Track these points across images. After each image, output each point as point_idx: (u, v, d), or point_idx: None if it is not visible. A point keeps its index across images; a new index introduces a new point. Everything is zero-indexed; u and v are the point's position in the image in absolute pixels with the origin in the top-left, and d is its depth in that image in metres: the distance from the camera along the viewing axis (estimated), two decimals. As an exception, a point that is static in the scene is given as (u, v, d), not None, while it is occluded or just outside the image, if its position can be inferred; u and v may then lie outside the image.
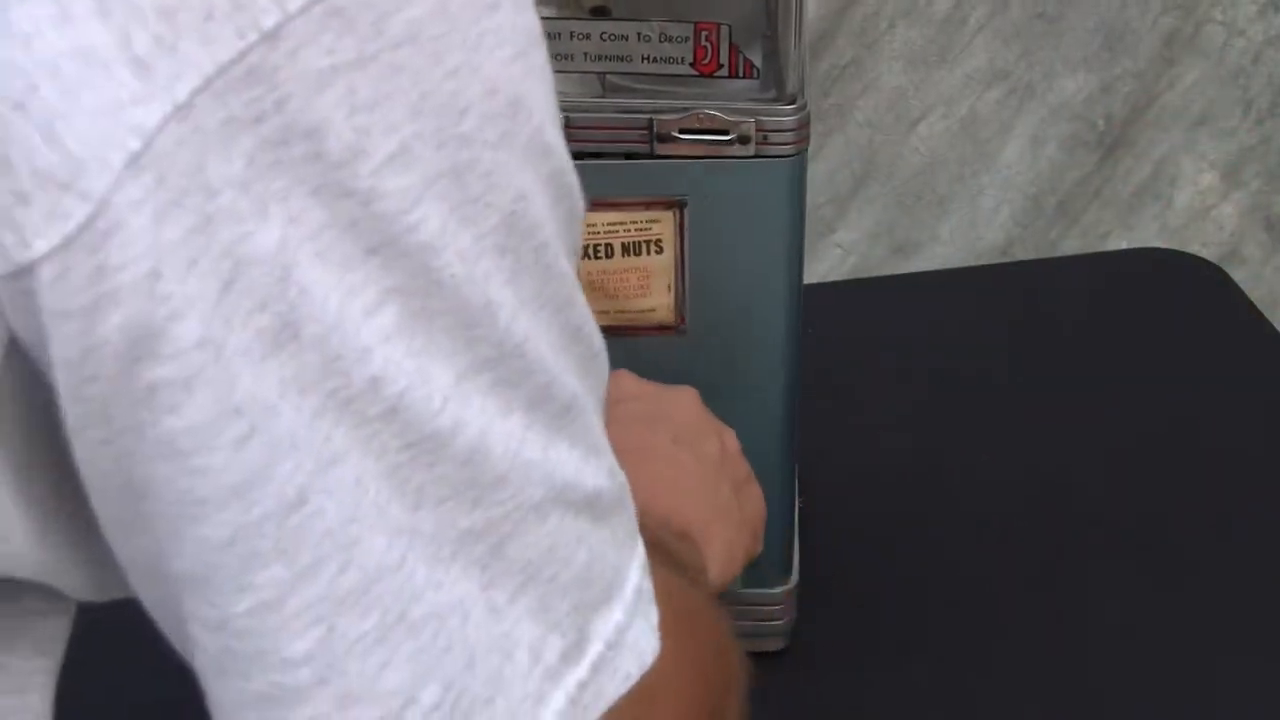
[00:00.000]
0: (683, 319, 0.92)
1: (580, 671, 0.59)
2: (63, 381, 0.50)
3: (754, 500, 0.92)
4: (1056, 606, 1.05)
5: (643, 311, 0.92)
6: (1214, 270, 1.38)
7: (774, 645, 1.01)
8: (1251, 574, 1.08)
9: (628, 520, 0.62)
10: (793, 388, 0.95)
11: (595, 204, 0.89)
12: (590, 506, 0.59)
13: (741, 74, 0.89)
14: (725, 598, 0.97)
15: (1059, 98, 1.49)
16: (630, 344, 0.92)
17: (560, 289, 0.57)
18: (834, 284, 1.41)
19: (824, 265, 1.46)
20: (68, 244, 0.48)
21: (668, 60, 0.89)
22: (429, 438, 0.53)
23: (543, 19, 0.83)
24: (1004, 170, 1.50)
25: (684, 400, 0.91)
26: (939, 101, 1.47)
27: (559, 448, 0.57)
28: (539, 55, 0.56)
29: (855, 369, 1.23)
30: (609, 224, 0.90)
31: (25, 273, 0.48)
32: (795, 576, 1.01)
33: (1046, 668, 1.01)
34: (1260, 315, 1.31)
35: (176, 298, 0.49)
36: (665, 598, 0.63)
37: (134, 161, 0.48)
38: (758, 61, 0.89)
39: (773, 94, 0.89)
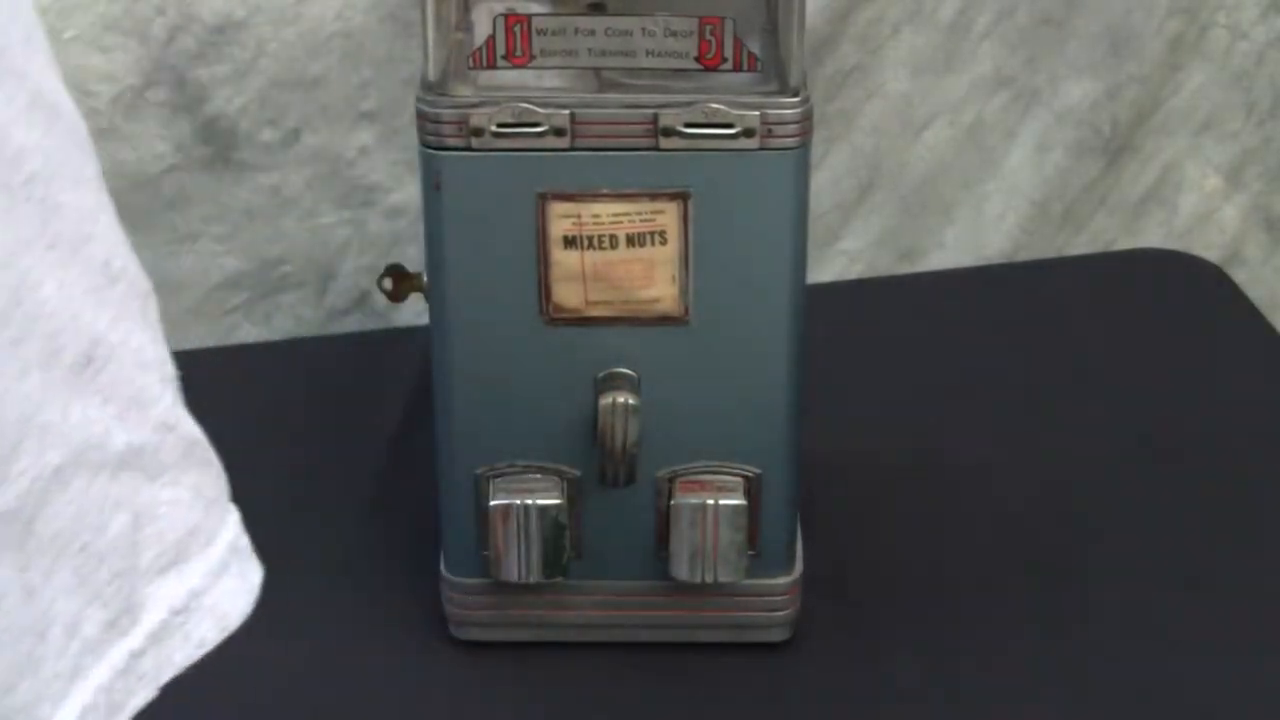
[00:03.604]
0: (687, 310, 0.93)
1: (133, 641, 0.56)
2: None
3: None
4: (1057, 602, 1.06)
5: (647, 302, 0.92)
6: (1214, 270, 1.39)
7: (777, 636, 1.02)
8: (1252, 574, 1.08)
9: (213, 477, 0.58)
10: (797, 377, 0.96)
11: (599, 195, 0.90)
12: (127, 465, 0.55)
13: (745, 67, 0.89)
14: (730, 589, 0.99)
15: (1064, 103, 1.49)
16: (635, 334, 0.93)
17: (72, 224, 0.52)
18: (838, 283, 1.41)
19: (830, 273, 1.46)
20: None
21: (671, 55, 0.89)
22: None
23: (546, 16, 0.84)
24: (1009, 177, 1.50)
25: None
26: (945, 108, 1.47)
27: (84, 404, 0.53)
28: None
29: (859, 366, 1.24)
30: (613, 215, 0.90)
31: None
32: (799, 568, 1.02)
33: (1046, 661, 1.02)
34: (1260, 315, 1.31)
35: None
36: None
37: None
38: (758, 54, 0.89)
39: (775, 86, 0.90)
